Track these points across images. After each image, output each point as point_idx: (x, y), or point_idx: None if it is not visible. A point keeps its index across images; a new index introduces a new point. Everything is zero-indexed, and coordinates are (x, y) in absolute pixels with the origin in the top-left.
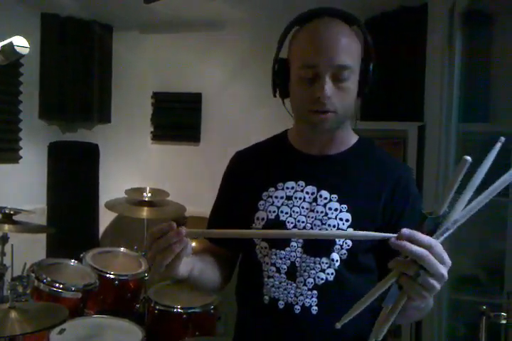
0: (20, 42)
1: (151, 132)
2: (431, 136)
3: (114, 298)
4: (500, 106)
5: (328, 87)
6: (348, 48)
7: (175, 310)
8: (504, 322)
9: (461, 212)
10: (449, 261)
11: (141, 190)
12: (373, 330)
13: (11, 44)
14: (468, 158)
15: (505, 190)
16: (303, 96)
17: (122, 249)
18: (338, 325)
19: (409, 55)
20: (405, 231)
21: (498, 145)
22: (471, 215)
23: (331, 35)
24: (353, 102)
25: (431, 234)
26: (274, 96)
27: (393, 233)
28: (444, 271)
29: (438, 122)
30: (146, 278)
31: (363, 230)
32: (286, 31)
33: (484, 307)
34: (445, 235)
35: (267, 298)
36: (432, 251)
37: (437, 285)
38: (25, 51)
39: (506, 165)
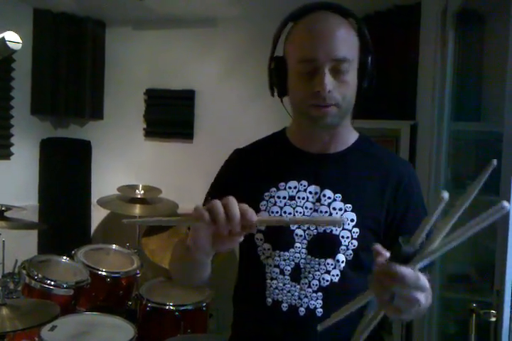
0: (12, 38)
1: (144, 129)
2: (423, 134)
3: (105, 295)
4: (492, 106)
5: (328, 80)
6: (346, 40)
7: (167, 307)
8: (493, 319)
9: (437, 244)
10: (426, 287)
11: (133, 187)
12: (352, 338)
13: (3, 39)
14: (446, 196)
15: (496, 189)
16: (303, 91)
17: (114, 246)
18: (320, 328)
19: (402, 54)
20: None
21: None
22: (450, 247)
23: (327, 28)
24: (354, 96)
25: (407, 261)
26: (272, 95)
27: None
28: (419, 295)
29: (430, 121)
30: (138, 275)
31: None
32: (280, 28)
33: (474, 305)
34: (420, 264)
35: (269, 300)
36: (404, 280)
37: (412, 309)
38: (17, 46)
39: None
